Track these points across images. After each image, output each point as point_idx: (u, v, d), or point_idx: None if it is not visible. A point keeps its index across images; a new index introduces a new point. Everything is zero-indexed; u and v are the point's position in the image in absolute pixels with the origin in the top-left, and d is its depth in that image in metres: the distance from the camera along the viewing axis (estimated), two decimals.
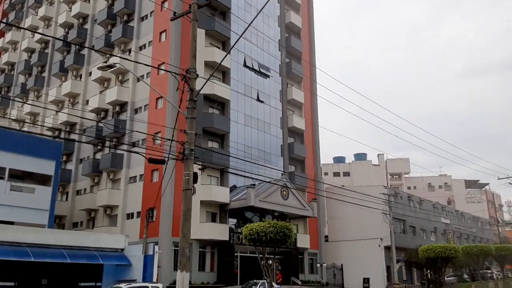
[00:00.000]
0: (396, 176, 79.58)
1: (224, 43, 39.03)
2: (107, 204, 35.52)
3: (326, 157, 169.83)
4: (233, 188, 37.29)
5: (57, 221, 38.57)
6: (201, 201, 33.39)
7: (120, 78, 38.92)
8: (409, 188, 76.68)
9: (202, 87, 12.51)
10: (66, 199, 40.72)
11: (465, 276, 47.36)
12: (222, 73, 38.20)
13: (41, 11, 50.17)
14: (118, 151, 36.00)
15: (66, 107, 43.83)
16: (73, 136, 40.40)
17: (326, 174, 77.59)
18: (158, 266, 30.30)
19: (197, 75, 12.19)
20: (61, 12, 48.17)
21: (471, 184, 79.82)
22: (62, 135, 41.61)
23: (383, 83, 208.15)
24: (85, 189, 39.53)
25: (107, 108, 38.66)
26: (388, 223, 43.57)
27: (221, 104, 37.41)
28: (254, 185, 34.05)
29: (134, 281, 24.68)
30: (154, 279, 25.22)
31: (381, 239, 44.85)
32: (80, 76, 44.06)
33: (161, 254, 30.68)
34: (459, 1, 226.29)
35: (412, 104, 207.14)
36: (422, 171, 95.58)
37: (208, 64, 36.75)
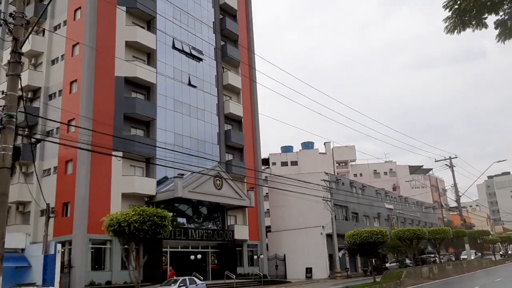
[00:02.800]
0: (343, 164, 79.28)
1: (149, 23, 36.06)
2: (19, 200, 31.91)
3: (275, 147, 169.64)
4: (164, 180, 34.56)
5: None
6: (122, 193, 30.55)
7: (33, 61, 35.18)
8: (355, 175, 76.60)
9: (27, 36, 9.75)
10: None
11: (408, 261, 47.09)
12: (147, 55, 35.27)
13: None
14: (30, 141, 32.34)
15: None
16: None
17: (274, 164, 76.10)
18: (71, 267, 27.40)
19: (28, 21, 9.45)
20: None
21: (415, 170, 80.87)
22: None
23: (333, 77, 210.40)
24: None
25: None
26: (329, 210, 42.35)
27: (147, 89, 34.51)
28: (182, 175, 31.52)
29: (33, 284, 21.72)
30: (56, 282, 22.29)
31: (322, 226, 43.65)
32: None
33: (75, 253, 27.77)
34: None
35: (361, 96, 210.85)
36: (368, 158, 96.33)
37: (130, 45, 33.83)
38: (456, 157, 38.04)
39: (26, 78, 33.66)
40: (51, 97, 33.62)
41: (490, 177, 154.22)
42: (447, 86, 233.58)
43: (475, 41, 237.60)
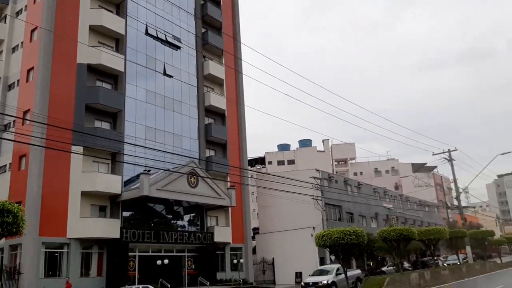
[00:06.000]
0: (342, 162, 75.84)
1: (118, 6, 33.18)
2: None
3: (271, 146, 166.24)
4: (135, 178, 31.54)
5: None
6: (82, 192, 27.60)
7: None
8: (355, 174, 73.18)
9: None
10: None
11: (406, 265, 43.70)
12: (115, 41, 32.36)
13: None
14: None
15: None
16: None
17: (270, 163, 73.03)
18: (19, 273, 24.53)
19: None
20: None
21: (418, 167, 77.15)
22: None
23: (342, 78, 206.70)
24: None
25: None
26: (320, 210, 39.15)
27: (114, 78, 31.59)
28: (149, 170, 28.50)
29: None
30: None
31: (313, 228, 40.36)
32: None
33: (24, 257, 24.90)
34: None
35: (370, 96, 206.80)
36: (369, 156, 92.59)
37: (95, 30, 30.95)
38: (456, 150, 34.63)
39: None
40: (10, 87, 30.87)
41: (500, 176, 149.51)
42: (459, 86, 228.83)
43: (487, 40, 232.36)
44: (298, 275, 40.41)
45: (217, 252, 36.02)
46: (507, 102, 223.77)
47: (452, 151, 34.43)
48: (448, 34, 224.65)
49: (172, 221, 34.01)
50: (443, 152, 34.05)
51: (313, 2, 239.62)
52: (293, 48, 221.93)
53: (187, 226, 34.99)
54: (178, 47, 37.22)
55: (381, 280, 19.74)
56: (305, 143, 72.78)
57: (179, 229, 33.71)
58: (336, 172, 68.69)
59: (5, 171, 28.99)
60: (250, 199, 46.38)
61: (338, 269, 26.05)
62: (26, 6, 31.61)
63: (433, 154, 34.13)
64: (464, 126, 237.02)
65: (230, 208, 37.56)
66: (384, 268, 41.13)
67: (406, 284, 20.70)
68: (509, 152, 33.94)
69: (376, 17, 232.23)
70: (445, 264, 40.90)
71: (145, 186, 28.40)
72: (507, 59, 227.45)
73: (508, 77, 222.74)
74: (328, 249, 22.20)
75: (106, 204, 29.48)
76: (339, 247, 19.98)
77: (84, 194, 27.79)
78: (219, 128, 39.14)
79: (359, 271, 31.58)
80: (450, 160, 33.86)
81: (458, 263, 38.72)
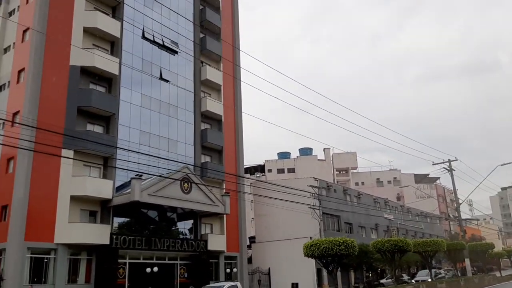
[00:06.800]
0: (344, 172, 74.90)
1: (114, 9, 32.76)
2: None
3: (273, 154, 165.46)
4: (129, 183, 30.76)
5: None
6: (71, 196, 26.91)
7: None
8: (356, 184, 72.17)
9: None
10: None
11: (406, 277, 42.61)
12: (110, 44, 31.88)
13: None
14: None
15: None
16: None
17: (270, 171, 72.20)
18: (2, 279, 23.77)
19: None
20: None
21: (421, 178, 76.07)
22: None
23: (344, 89, 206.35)
24: None
25: None
26: (317, 220, 38.26)
27: (108, 81, 31.05)
28: (140, 175, 27.76)
29: None
30: None
31: (310, 237, 39.38)
32: None
33: (8, 263, 24.16)
34: (416, 9, 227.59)
35: (370, 107, 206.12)
36: (371, 166, 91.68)
37: (90, 32, 30.47)
38: (456, 160, 33.72)
39: None
40: (1, 88, 30.37)
41: (503, 188, 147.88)
42: (460, 98, 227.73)
43: (489, 52, 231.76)
44: (295, 286, 39.40)
45: (211, 260, 35.16)
46: (509, 114, 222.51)
47: (452, 161, 33.56)
48: (449, 46, 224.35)
49: (165, 228, 33.21)
50: (443, 162, 33.20)
51: (314, 12, 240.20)
52: (294, 58, 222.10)
53: (180, 233, 34.19)
54: (175, 52, 36.73)
55: None
56: (305, 151, 71.95)
57: (172, 236, 32.89)
58: (337, 182, 67.76)
59: None
60: (250, 207, 45.62)
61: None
62: (19, 6, 31.25)
63: (433, 164, 33.33)
64: (465, 138, 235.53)
65: (225, 215, 36.75)
66: (383, 281, 40.09)
67: None
68: (510, 163, 33.03)
69: (377, 28, 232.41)
70: (413, 281, 35.37)
71: (136, 191, 27.68)
72: (510, 71, 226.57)
73: (510, 88, 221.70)
74: (317, 260, 21.22)
75: (97, 209, 28.76)
76: (328, 258, 19.14)
77: (74, 199, 27.09)
78: (216, 134, 38.49)
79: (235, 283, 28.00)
80: (450, 170, 32.98)
81: (430, 281, 31.37)
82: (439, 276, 36.31)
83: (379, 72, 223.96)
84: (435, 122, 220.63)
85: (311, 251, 19.60)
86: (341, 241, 18.87)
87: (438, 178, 73.01)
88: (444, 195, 72.27)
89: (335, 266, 20.32)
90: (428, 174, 75.82)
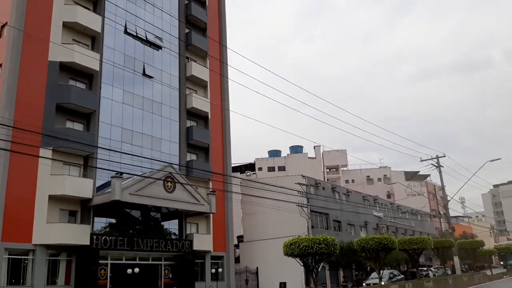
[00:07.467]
0: (334, 169, 74.53)
1: (96, 4, 31.96)
2: None
3: (263, 152, 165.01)
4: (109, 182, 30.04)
5: None
6: (50, 195, 26.15)
7: None
8: (347, 181, 71.85)
9: None
10: None
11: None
12: (91, 39, 31.08)
13: None
14: None
15: None
16: None
17: (260, 169, 71.61)
18: None
19: None
20: None
21: (411, 176, 75.88)
22: None
23: (336, 88, 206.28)
24: None
25: None
26: (305, 218, 37.74)
27: (88, 77, 30.26)
28: (121, 174, 27.02)
29: None
30: None
31: (298, 236, 38.68)
32: None
33: None
34: (409, 7, 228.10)
35: (364, 106, 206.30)
36: (361, 163, 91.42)
37: (70, 27, 29.67)
38: (444, 156, 33.36)
39: None
40: None
41: (495, 186, 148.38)
42: (453, 96, 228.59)
43: (481, 51, 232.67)
44: (283, 285, 38.89)
45: (196, 260, 34.48)
46: (501, 112, 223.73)
47: (440, 157, 33.16)
48: (441, 44, 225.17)
49: (149, 228, 32.49)
50: (431, 159, 32.78)
51: (307, 12, 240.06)
52: (288, 57, 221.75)
53: (164, 233, 33.50)
54: (159, 47, 35.99)
55: None
56: (296, 149, 71.48)
57: (156, 236, 32.18)
58: (328, 180, 67.37)
59: None
60: (238, 206, 44.97)
61: None
62: None
63: (421, 160, 32.92)
64: (457, 136, 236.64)
65: (211, 215, 36.11)
66: (368, 281, 39.61)
67: None
68: (499, 159, 32.78)
69: (370, 27, 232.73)
70: (364, 284, 32.89)
71: (117, 190, 26.94)
72: (502, 69, 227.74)
73: (501, 86, 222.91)
74: (297, 259, 20.64)
75: (77, 209, 28.01)
76: (309, 256, 18.62)
77: (53, 198, 26.34)
78: (202, 132, 37.82)
79: None
80: (438, 166, 32.57)
81: (382, 284, 25.84)
82: (394, 279, 33.43)
83: (372, 71, 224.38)
84: (428, 120, 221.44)
85: (290, 249, 19.10)
86: (321, 239, 18.36)
87: (429, 175, 72.89)
88: (435, 192, 72.09)
89: (315, 265, 19.77)
90: (419, 172, 75.69)
